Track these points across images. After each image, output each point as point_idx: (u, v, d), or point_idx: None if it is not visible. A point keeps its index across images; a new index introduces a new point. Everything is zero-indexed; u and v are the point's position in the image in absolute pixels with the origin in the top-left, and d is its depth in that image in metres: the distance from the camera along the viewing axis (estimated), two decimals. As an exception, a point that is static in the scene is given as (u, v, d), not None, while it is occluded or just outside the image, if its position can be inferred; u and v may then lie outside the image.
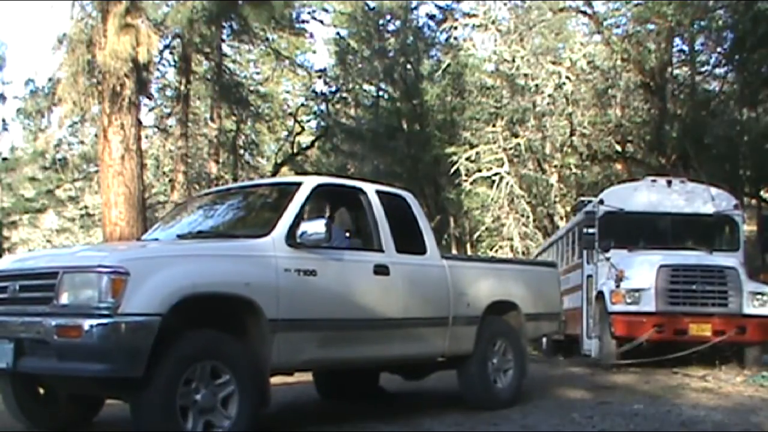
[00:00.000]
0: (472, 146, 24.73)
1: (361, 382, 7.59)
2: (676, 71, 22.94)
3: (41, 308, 4.59)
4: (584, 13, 22.41)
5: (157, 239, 6.27)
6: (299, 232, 5.39)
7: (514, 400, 7.03)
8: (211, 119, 24.18)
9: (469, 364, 6.76)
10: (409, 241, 6.41)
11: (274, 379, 6.24)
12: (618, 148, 22.99)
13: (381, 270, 5.96)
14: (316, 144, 30.08)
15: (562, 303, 8.70)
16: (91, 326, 4.31)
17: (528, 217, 24.33)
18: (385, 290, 5.99)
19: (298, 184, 5.93)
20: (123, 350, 4.35)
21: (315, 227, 5.36)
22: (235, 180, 24.65)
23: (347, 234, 6.42)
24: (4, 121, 29.95)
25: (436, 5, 30.70)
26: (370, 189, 6.41)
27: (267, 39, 25.29)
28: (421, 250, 6.54)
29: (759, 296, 10.58)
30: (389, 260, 6.07)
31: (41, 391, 5.57)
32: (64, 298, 4.52)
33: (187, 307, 4.63)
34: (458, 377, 6.93)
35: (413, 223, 6.65)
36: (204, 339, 4.78)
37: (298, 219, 5.52)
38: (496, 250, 24.98)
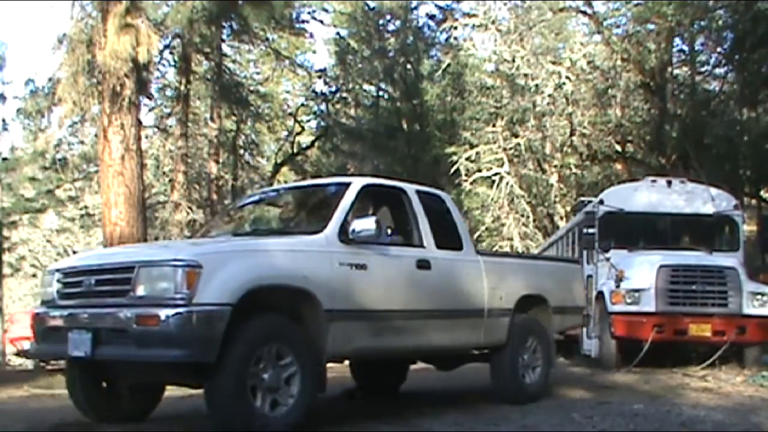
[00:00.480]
0: (472, 146, 24.72)
1: (393, 375, 8.14)
2: (676, 71, 22.94)
3: (118, 300, 4.93)
4: (584, 13, 22.41)
5: (216, 237, 6.59)
6: (350, 228, 5.71)
7: (541, 394, 7.33)
8: (211, 119, 24.18)
9: (501, 356, 7.09)
10: (446, 237, 6.76)
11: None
12: (618, 148, 22.99)
13: (423, 264, 6.29)
14: (316, 144, 30.08)
15: (585, 298, 8.98)
16: (168, 315, 4.63)
17: (528, 217, 24.33)
18: (428, 283, 6.32)
19: (347, 185, 6.27)
20: (198, 337, 4.66)
21: (366, 224, 5.68)
22: (235, 180, 24.69)
23: (389, 231, 6.66)
24: (4, 121, 29.98)
25: (436, 5, 30.77)
26: (410, 189, 6.76)
27: (267, 39, 25.29)
28: (457, 246, 6.88)
29: (759, 296, 10.58)
30: (430, 255, 6.42)
31: (105, 384, 5.85)
32: (141, 290, 4.85)
33: (254, 297, 4.93)
34: (491, 370, 7.25)
35: (450, 220, 7.01)
36: (270, 323, 5.11)
37: (348, 217, 5.85)
38: (496, 251, 24.96)
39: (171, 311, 4.63)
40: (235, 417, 4.83)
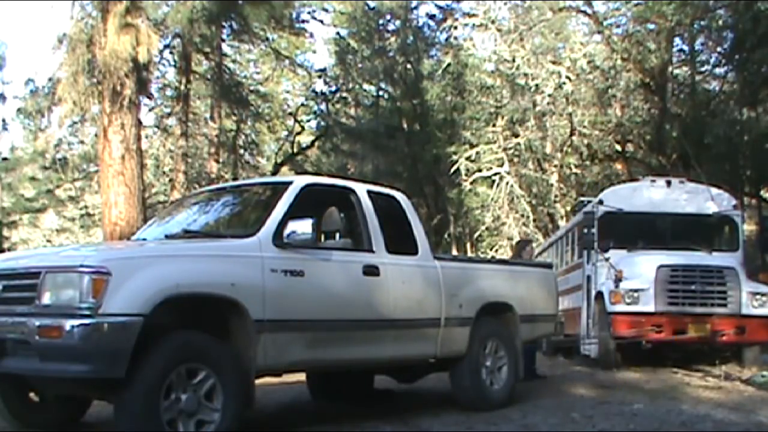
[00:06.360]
0: (472, 146, 24.75)
1: (355, 383, 7.52)
2: (676, 71, 22.92)
3: (25, 308, 4.54)
4: (584, 12, 22.41)
5: (145, 239, 6.23)
6: (287, 232, 5.34)
7: (507, 402, 7.01)
8: (211, 119, 24.19)
9: (461, 366, 6.72)
10: (400, 241, 6.37)
11: (275, 380, 6.24)
12: (618, 148, 23.00)
13: (370, 270, 5.90)
14: (316, 144, 30.08)
15: (558, 304, 8.65)
16: (72, 326, 4.27)
17: (528, 217, 24.34)
18: (375, 291, 5.92)
19: (287, 184, 5.88)
20: (104, 351, 4.31)
21: (302, 227, 5.30)
22: (235, 179, 24.66)
23: (337, 234, 6.34)
24: (4, 121, 30.03)
25: (436, 5, 30.77)
26: (360, 189, 6.37)
27: (267, 39, 25.30)
28: (412, 250, 6.50)
29: (758, 296, 10.59)
30: (379, 261, 6.02)
31: (30, 391, 5.51)
32: (46, 298, 4.48)
33: (171, 307, 4.59)
34: (450, 379, 6.90)
35: (405, 223, 6.61)
36: (182, 340, 4.72)
37: (286, 219, 5.44)
38: (497, 250, 24.99)
39: (75, 322, 4.26)
40: None
